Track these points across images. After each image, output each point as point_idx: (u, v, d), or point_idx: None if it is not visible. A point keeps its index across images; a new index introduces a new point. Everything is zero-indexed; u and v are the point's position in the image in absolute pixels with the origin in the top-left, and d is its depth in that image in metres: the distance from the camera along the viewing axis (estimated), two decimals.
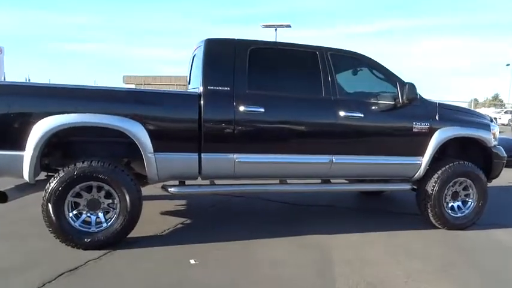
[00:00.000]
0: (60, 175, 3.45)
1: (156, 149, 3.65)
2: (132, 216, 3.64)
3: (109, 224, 3.63)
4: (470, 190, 4.69)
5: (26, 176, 3.45)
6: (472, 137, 4.63)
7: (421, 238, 4.32)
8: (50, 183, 3.45)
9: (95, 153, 3.77)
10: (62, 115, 3.41)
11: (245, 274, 3.25)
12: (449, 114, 4.59)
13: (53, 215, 3.45)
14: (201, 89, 3.82)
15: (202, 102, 3.77)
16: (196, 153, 3.79)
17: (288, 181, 4.43)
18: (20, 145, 3.39)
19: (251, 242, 3.96)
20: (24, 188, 3.72)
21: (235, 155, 3.87)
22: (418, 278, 3.30)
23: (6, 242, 3.77)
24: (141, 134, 3.58)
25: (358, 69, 4.50)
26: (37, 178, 3.61)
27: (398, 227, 4.60)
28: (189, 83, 4.85)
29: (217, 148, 3.84)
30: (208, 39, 4.01)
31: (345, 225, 4.62)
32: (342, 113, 4.11)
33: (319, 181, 4.64)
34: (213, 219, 4.76)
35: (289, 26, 28.54)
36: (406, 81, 4.26)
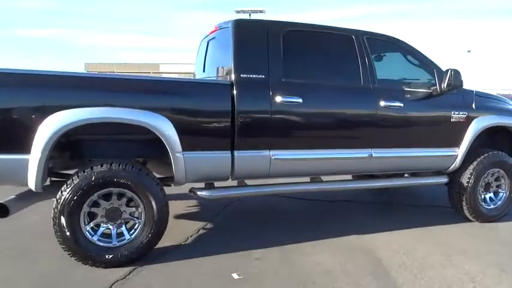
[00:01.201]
0: (75, 181, 2.89)
1: (185, 148, 3.14)
2: (160, 226, 3.14)
3: (133, 236, 3.11)
4: (502, 181, 4.50)
5: (32, 184, 2.85)
6: (506, 126, 4.41)
7: (459, 233, 4.08)
8: (62, 192, 2.88)
9: (106, 153, 3.23)
10: (75, 110, 2.83)
11: None
12: (485, 102, 4.34)
13: (67, 230, 2.89)
14: (232, 78, 3.33)
15: (235, 92, 3.28)
16: (229, 151, 3.32)
17: (319, 179, 4.03)
18: (23, 147, 2.79)
19: (288, 247, 3.56)
20: (27, 198, 3.13)
21: (272, 152, 3.43)
22: (483, 281, 3.03)
23: (10, 261, 3.16)
24: (168, 131, 3.06)
25: (394, 54, 4.13)
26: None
27: (430, 222, 4.34)
28: (203, 71, 4.31)
29: (251, 145, 3.38)
30: (237, 20, 3.50)
31: (376, 221, 4.32)
32: (382, 103, 3.75)
33: (349, 177, 4.31)
34: (233, 222, 4.31)
35: (263, 12, 28.04)
36: (449, 67, 3.94)
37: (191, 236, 3.78)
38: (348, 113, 3.71)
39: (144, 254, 3.13)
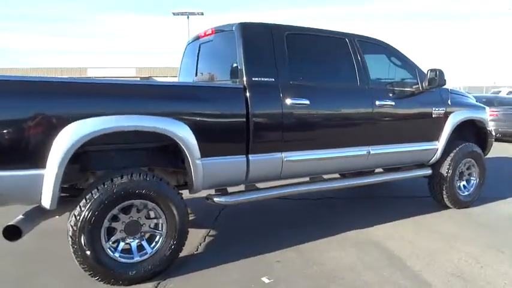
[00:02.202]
0: (95, 196, 2.68)
1: (203, 154, 3.06)
2: (182, 237, 3.03)
3: (154, 249, 2.96)
4: (473, 169, 4.95)
5: (46, 201, 2.60)
6: (475, 119, 4.86)
7: (445, 220, 4.42)
8: (80, 207, 2.67)
9: (113, 164, 3.05)
10: (96, 118, 2.64)
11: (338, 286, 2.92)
12: (457, 98, 4.75)
13: (87, 248, 2.68)
14: (244, 81, 3.30)
15: (248, 95, 3.26)
16: (244, 156, 3.29)
17: (321, 178, 4.12)
18: (38, 161, 2.54)
19: (302, 247, 3.60)
20: (35, 216, 2.84)
21: (283, 154, 3.46)
22: (487, 261, 3.32)
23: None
24: (188, 137, 2.96)
25: (381, 56, 4.36)
26: None
27: (415, 212, 4.65)
28: (195, 75, 4.21)
29: (265, 148, 3.38)
30: (243, 23, 3.47)
31: (373, 215, 4.53)
32: (377, 102, 3.95)
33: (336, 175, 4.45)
34: (234, 226, 4.26)
35: (201, 14, 27.76)
36: (431, 68, 4.25)
37: (200, 244, 3.68)
38: (350, 112, 3.86)
39: (168, 266, 3.00)
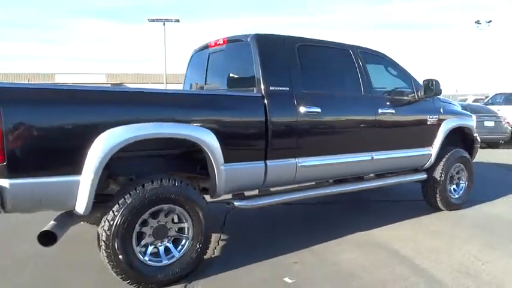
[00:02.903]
0: (128, 201, 2.75)
1: (226, 160, 3.19)
2: (207, 240, 3.13)
3: (181, 252, 3.05)
4: (462, 173, 5.28)
5: (81, 207, 2.65)
6: (465, 126, 5.20)
7: (440, 221, 4.70)
8: (114, 213, 2.73)
9: (138, 170, 3.14)
10: (130, 126, 2.72)
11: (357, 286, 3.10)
12: (448, 106, 5.07)
13: (120, 252, 2.74)
14: (262, 90, 3.46)
15: (266, 104, 3.42)
16: (263, 161, 3.43)
17: (325, 183, 4.31)
18: (74, 168, 2.59)
19: (315, 249, 3.76)
20: (66, 222, 2.87)
21: (298, 160, 3.62)
22: (486, 258, 3.58)
23: None
24: (214, 144, 3.08)
25: (380, 66, 4.62)
26: None
27: (411, 214, 4.91)
28: (205, 83, 4.33)
29: (281, 154, 3.53)
30: (258, 34, 3.63)
31: (373, 218, 4.74)
32: (379, 110, 4.19)
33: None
34: (243, 230, 4.39)
35: (177, 21, 27.74)
36: (427, 78, 4.54)
37: (215, 248, 3.77)
38: (356, 120, 4.08)
39: (194, 269, 3.09)
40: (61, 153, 2.57)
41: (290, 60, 3.69)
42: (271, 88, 3.48)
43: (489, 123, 12.47)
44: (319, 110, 3.70)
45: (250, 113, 3.36)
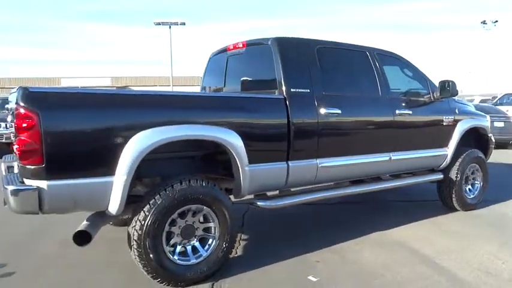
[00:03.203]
0: (158, 201, 2.83)
1: (250, 161, 3.26)
2: (232, 239, 3.20)
3: (209, 251, 3.12)
4: (477, 173, 5.31)
5: (114, 207, 2.74)
6: (480, 127, 5.24)
7: (456, 221, 4.74)
8: (145, 213, 2.80)
9: (164, 171, 3.23)
10: (163, 128, 2.82)
11: (380, 285, 3.15)
12: (463, 107, 5.12)
13: (150, 252, 2.82)
14: (283, 92, 3.52)
15: (288, 105, 3.48)
16: (285, 162, 3.50)
17: (344, 184, 4.37)
18: (108, 169, 2.67)
19: (335, 248, 3.82)
20: (97, 222, 2.95)
21: (318, 160, 3.68)
22: (505, 257, 3.62)
23: None
24: (239, 145, 3.16)
25: (396, 68, 4.68)
26: None
27: (426, 214, 4.94)
28: (224, 85, 4.41)
29: (303, 155, 3.60)
30: (279, 38, 3.70)
31: (390, 218, 4.79)
32: (397, 111, 4.25)
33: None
34: (261, 230, 4.46)
35: (183, 24, 27.89)
36: (443, 79, 4.59)
37: (236, 248, 3.82)
38: (374, 121, 4.14)
39: (220, 268, 3.16)
40: (96, 155, 2.65)
41: (310, 62, 3.76)
42: (292, 90, 3.55)
43: (499, 124, 12.42)
44: (339, 111, 3.76)
45: (273, 114, 3.43)
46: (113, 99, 2.80)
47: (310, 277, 3.21)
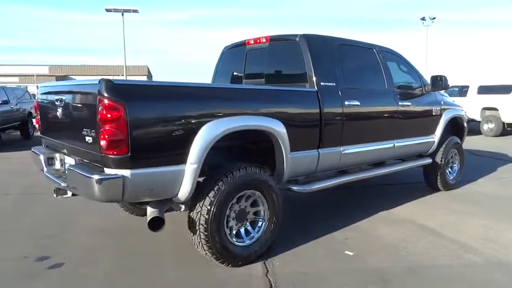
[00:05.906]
0: (222, 187, 3.04)
1: (291, 149, 3.55)
2: (279, 221, 3.49)
3: (259, 233, 3.39)
4: (456, 157, 6.01)
5: (184, 194, 2.91)
6: (459, 116, 5.91)
7: (443, 199, 5.37)
8: (210, 198, 3.01)
9: (214, 160, 3.40)
10: (225, 119, 3.03)
11: (414, 256, 3.58)
12: (446, 99, 5.75)
13: (216, 235, 3.04)
14: (314, 85, 3.83)
15: (320, 97, 3.80)
16: (316, 150, 3.83)
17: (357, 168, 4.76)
18: (180, 158, 2.84)
19: (355, 226, 4.24)
20: (163, 208, 3.09)
21: (342, 148, 4.06)
22: (497, 227, 4.23)
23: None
24: (284, 134, 3.44)
25: (394, 63, 5.15)
26: None
27: (417, 195, 5.54)
28: (244, 78, 4.62)
29: (330, 142, 3.95)
30: (307, 35, 3.98)
31: (389, 199, 5.31)
32: (399, 103, 4.73)
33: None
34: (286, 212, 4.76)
35: (136, 11, 27.02)
36: (435, 74, 5.15)
37: None
38: (384, 111, 4.59)
39: (269, 248, 3.44)
40: (173, 144, 2.81)
41: (334, 57, 4.09)
42: (322, 83, 3.87)
43: None
44: (358, 103, 4.15)
45: (309, 106, 3.74)
46: (189, 91, 2.96)
47: (346, 252, 3.59)
